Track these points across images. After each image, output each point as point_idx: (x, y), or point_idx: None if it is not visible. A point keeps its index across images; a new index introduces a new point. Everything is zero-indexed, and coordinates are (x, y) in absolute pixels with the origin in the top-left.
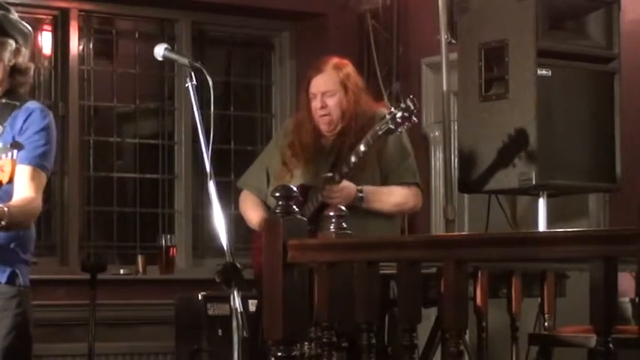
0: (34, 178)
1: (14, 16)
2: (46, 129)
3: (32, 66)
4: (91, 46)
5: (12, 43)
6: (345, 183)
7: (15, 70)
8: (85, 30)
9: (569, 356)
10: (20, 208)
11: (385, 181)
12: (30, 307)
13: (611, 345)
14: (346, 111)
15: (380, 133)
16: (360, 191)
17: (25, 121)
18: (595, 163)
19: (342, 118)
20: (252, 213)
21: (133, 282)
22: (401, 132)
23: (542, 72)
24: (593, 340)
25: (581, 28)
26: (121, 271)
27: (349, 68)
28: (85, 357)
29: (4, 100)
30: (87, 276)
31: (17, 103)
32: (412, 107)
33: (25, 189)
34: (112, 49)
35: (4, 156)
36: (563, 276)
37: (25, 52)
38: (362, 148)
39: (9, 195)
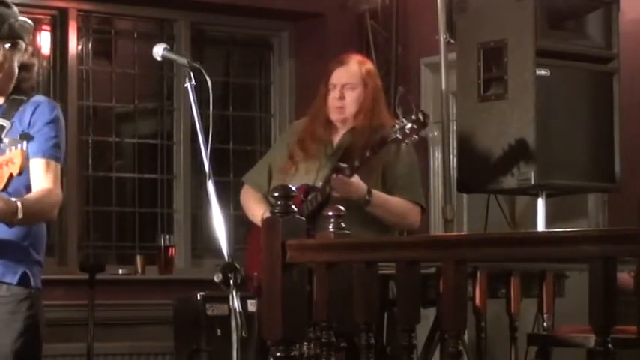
0: (49, 169)
1: (17, 13)
2: (55, 121)
3: (36, 62)
4: (89, 46)
5: (22, 44)
6: (357, 179)
7: (21, 67)
8: (84, 30)
9: (568, 356)
10: (36, 200)
11: (388, 194)
12: (41, 310)
13: (610, 345)
14: (362, 108)
15: (387, 141)
16: (369, 193)
17: (32, 114)
18: (594, 163)
19: (356, 115)
20: (255, 207)
21: (131, 282)
22: (408, 143)
23: (541, 72)
24: (592, 340)
25: (580, 28)
26: (120, 271)
27: (371, 67)
28: (83, 357)
29: (12, 97)
30: (86, 276)
31: (24, 98)
32: (422, 120)
33: (42, 181)
34: (110, 49)
35: (13, 148)
36: (562, 276)
37: (29, 49)
38: (367, 153)
39: (24, 186)
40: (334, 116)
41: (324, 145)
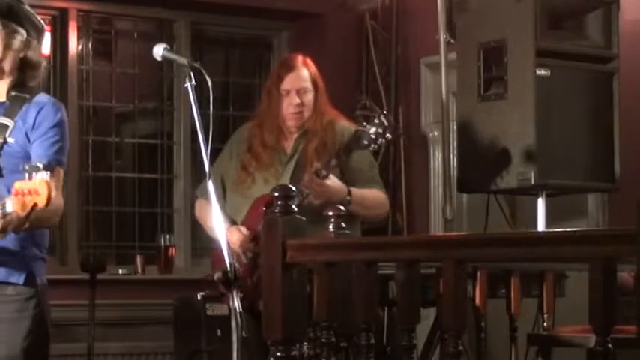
0: (52, 176)
1: (28, 7)
2: (60, 124)
3: (44, 62)
4: (90, 46)
5: (23, 34)
6: (335, 181)
7: (26, 64)
8: (84, 30)
9: (568, 356)
10: (42, 209)
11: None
12: (47, 307)
13: (610, 345)
14: (315, 110)
15: (354, 148)
16: (349, 193)
17: (37, 115)
18: (594, 163)
19: (310, 117)
20: None
21: (131, 282)
22: (375, 148)
23: (541, 72)
24: (592, 339)
25: (580, 28)
26: (120, 271)
27: (314, 67)
28: (84, 357)
29: (14, 93)
30: (86, 276)
31: (27, 96)
32: (386, 123)
33: None
34: (111, 49)
35: (34, 174)
36: (562, 276)
37: (36, 46)
38: (333, 162)
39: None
40: (291, 122)
41: (278, 152)
